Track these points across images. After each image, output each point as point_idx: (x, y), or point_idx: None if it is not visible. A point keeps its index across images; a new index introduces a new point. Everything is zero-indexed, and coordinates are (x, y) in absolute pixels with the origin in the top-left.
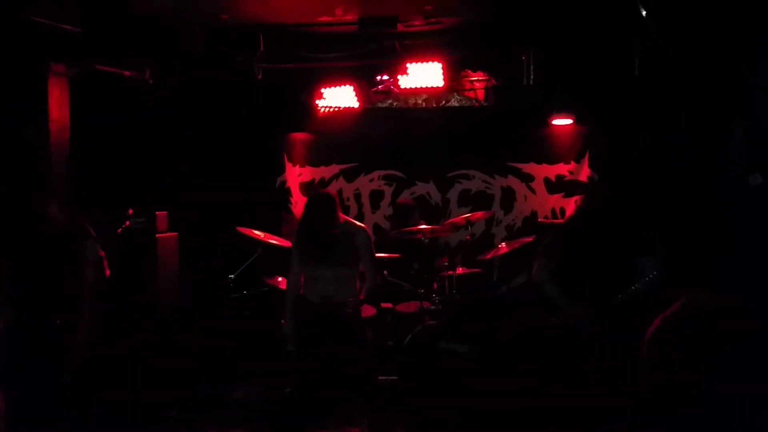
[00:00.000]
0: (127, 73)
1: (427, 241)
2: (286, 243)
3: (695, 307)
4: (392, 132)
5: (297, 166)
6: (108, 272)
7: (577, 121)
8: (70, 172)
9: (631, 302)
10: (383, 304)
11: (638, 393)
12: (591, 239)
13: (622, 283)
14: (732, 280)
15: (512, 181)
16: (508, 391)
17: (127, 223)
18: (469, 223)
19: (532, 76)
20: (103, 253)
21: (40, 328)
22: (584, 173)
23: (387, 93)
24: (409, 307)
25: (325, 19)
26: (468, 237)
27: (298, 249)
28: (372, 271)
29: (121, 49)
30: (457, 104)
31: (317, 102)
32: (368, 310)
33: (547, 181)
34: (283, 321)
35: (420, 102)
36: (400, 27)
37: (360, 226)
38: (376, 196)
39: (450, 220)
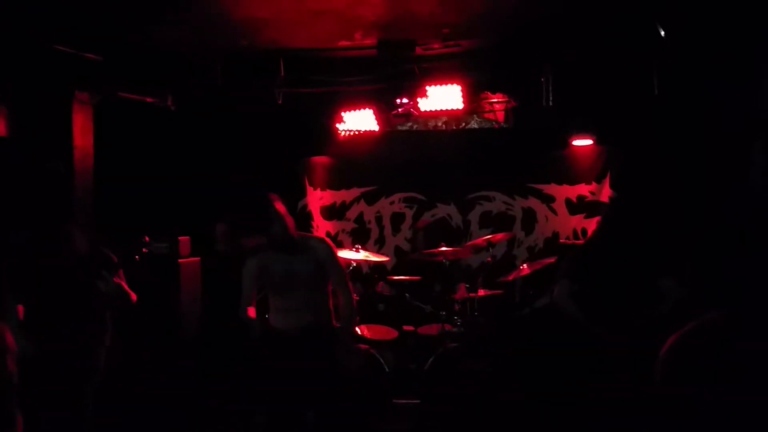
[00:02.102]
0: (149, 99)
1: (448, 263)
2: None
3: (713, 325)
4: (412, 154)
5: (318, 190)
6: (134, 296)
7: (597, 142)
8: (94, 198)
9: (655, 323)
10: (405, 327)
11: (650, 410)
12: (612, 260)
13: (644, 304)
14: (756, 299)
15: (533, 202)
16: (531, 413)
17: (144, 249)
18: (490, 244)
19: (551, 97)
20: (120, 281)
21: (61, 354)
22: (605, 193)
23: (407, 116)
24: (430, 329)
25: (344, 43)
26: (489, 259)
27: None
28: (345, 288)
29: (142, 77)
30: (476, 126)
31: (337, 125)
32: (390, 333)
33: (568, 201)
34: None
35: (440, 124)
36: (418, 50)
37: (318, 237)
38: (397, 219)
39: (471, 242)
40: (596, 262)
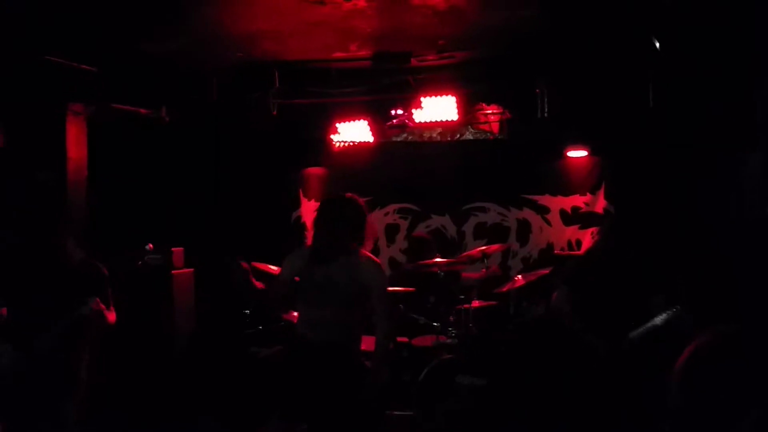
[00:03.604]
0: (143, 111)
1: (442, 274)
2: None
3: (728, 339)
4: (407, 166)
5: (312, 201)
6: (112, 318)
7: (592, 153)
8: (87, 209)
9: (647, 338)
10: (399, 338)
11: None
12: (611, 274)
13: (636, 318)
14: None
15: (528, 214)
16: (525, 425)
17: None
18: (485, 255)
19: (546, 109)
20: (102, 305)
21: (44, 364)
22: (600, 205)
23: (402, 127)
24: (425, 341)
25: (339, 55)
26: (484, 270)
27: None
28: (384, 315)
29: (137, 88)
30: (471, 137)
31: (332, 137)
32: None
33: (563, 212)
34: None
35: (434, 136)
36: (413, 62)
37: (370, 257)
38: (391, 230)
39: (466, 253)
40: (595, 274)
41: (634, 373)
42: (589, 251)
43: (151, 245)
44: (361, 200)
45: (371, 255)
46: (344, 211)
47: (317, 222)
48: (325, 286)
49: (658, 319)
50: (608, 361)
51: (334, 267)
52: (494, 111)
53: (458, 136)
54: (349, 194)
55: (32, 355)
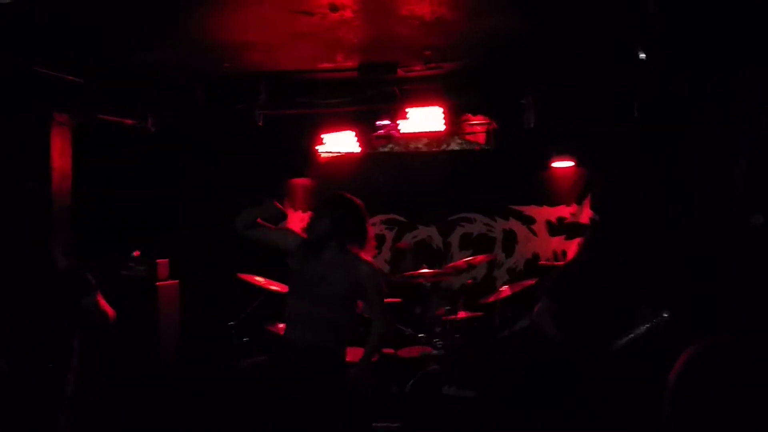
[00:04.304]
0: (129, 121)
1: (428, 285)
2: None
3: (724, 346)
4: (393, 176)
5: (299, 212)
6: (112, 313)
7: (578, 164)
8: (72, 220)
9: (632, 346)
10: (385, 350)
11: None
12: (593, 283)
13: (620, 327)
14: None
15: (514, 224)
16: None
17: (130, 268)
18: (470, 266)
19: (532, 120)
20: (101, 299)
21: (34, 373)
22: (586, 215)
23: (388, 138)
24: (411, 352)
25: (325, 65)
26: (470, 281)
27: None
28: (380, 316)
29: (123, 99)
30: (457, 148)
31: (318, 148)
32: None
33: (548, 223)
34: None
35: (421, 146)
36: (400, 72)
37: (365, 258)
38: (377, 241)
39: (451, 264)
40: (577, 284)
41: (620, 382)
42: (570, 262)
43: (137, 252)
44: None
45: (367, 257)
46: (348, 204)
47: (318, 210)
48: (318, 282)
49: (643, 327)
50: (594, 372)
51: (329, 264)
52: (480, 122)
53: (444, 146)
54: (354, 197)
55: (22, 363)
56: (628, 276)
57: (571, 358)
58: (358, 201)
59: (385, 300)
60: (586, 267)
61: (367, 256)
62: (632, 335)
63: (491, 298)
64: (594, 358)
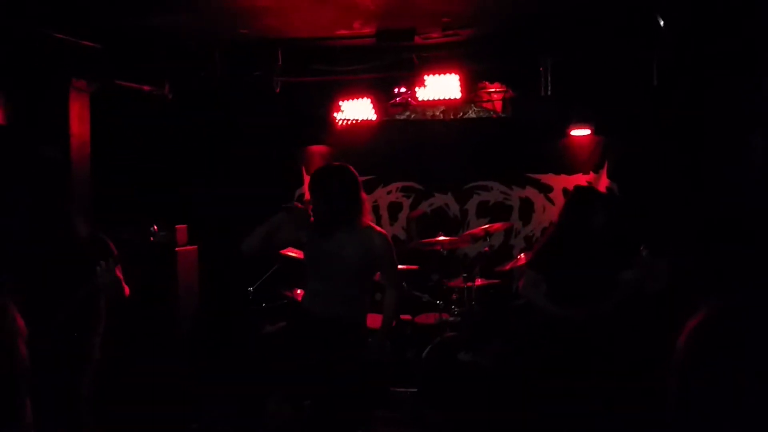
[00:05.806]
0: (146, 88)
1: (445, 252)
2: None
3: (733, 312)
4: (410, 144)
5: None
6: (127, 291)
7: (595, 132)
8: (92, 186)
9: (617, 308)
10: (402, 316)
11: (670, 405)
12: (569, 247)
13: (606, 287)
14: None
15: (531, 192)
16: (528, 402)
17: (152, 238)
18: (487, 234)
19: (549, 87)
20: (120, 275)
21: (55, 342)
22: (603, 184)
23: (404, 105)
24: (428, 318)
25: (342, 32)
26: (487, 248)
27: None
28: (395, 285)
29: (140, 65)
30: (474, 116)
31: (335, 115)
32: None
33: (565, 191)
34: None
35: (437, 114)
36: (417, 39)
37: (377, 229)
38: (394, 208)
39: (468, 231)
40: (555, 251)
41: (614, 337)
42: (547, 231)
43: (156, 227)
44: (352, 168)
45: (375, 225)
46: (337, 179)
47: (312, 193)
48: (332, 258)
49: (626, 275)
50: (585, 329)
51: (341, 239)
52: (497, 89)
53: (461, 114)
54: (338, 163)
55: (47, 331)
56: (605, 237)
57: (565, 324)
58: (347, 167)
59: (399, 268)
60: (561, 233)
61: (375, 225)
62: (620, 289)
63: (508, 266)
64: (584, 314)
